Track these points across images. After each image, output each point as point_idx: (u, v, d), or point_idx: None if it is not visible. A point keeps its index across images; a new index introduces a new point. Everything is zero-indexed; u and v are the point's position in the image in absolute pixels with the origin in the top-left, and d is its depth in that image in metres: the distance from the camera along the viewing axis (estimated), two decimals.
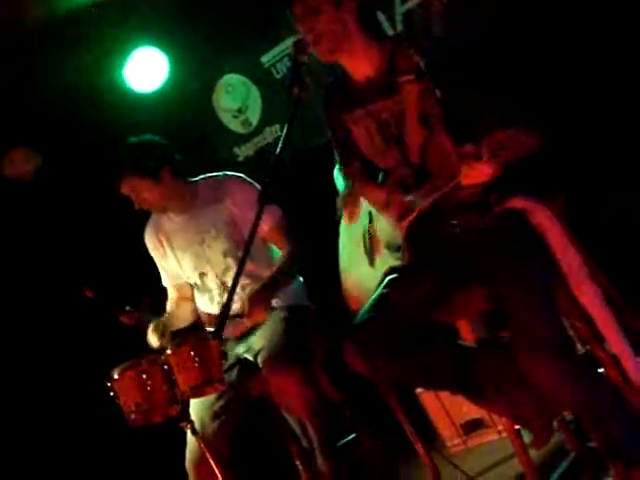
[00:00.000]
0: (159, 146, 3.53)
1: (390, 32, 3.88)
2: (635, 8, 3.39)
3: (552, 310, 2.49)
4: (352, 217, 2.82)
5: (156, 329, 3.44)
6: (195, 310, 3.69)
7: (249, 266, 3.29)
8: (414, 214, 2.56)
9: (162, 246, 3.66)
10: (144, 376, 3.04)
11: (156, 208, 3.56)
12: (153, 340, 3.41)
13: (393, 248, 2.66)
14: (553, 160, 3.06)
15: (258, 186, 3.48)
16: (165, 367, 3.04)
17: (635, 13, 3.39)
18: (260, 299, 3.23)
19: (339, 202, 2.86)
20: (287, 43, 4.45)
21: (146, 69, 4.65)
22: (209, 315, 3.61)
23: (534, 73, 3.54)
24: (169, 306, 3.69)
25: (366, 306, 2.65)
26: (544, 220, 2.48)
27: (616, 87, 3.46)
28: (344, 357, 2.59)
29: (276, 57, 4.57)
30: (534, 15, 3.65)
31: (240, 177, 3.59)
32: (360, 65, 2.68)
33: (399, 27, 4.05)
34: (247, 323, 3.35)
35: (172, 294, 3.71)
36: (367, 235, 2.82)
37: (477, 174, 2.35)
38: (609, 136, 3.46)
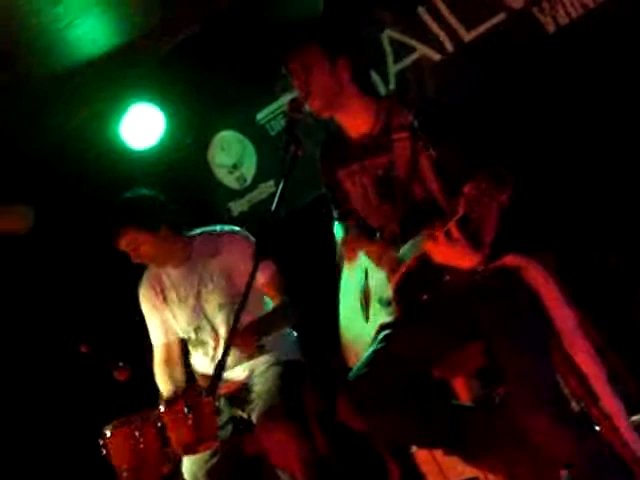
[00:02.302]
0: (158, 201, 3.56)
1: (383, 91, 3.93)
2: (616, 66, 3.46)
3: (547, 367, 2.48)
4: (352, 258, 2.82)
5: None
6: (183, 372, 3.66)
7: (245, 319, 3.29)
8: (402, 270, 2.58)
9: (158, 299, 3.66)
10: (137, 433, 3.03)
11: (153, 261, 3.57)
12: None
13: (384, 303, 2.66)
14: (543, 218, 3.10)
15: (253, 240, 3.50)
16: (158, 424, 3.02)
17: (618, 72, 3.46)
18: (252, 331, 3.22)
19: (339, 251, 2.87)
20: (282, 101, 4.51)
21: (142, 125, 4.69)
22: (204, 374, 3.58)
23: (526, 131, 3.59)
24: (157, 371, 3.63)
25: (359, 363, 2.64)
26: (538, 277, 2.50)
27: (602, 148, 3.51)
28: (338, 414, 2.57)
29: (271, 115, 4.63)
30: (525, 74, 3.72)
31: (236, 231, 3.61)
32: (355, 121, 2.72)
33: (392, 86, 4.10)
34: (241, 375, 3.31)
35: (159, 354, 3.67)
36: (362, 290, 2.83)
37: (443, 253, 2.36)
38: (595, 196, 3.50)
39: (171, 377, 3.59)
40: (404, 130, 2.61)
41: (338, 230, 2.96)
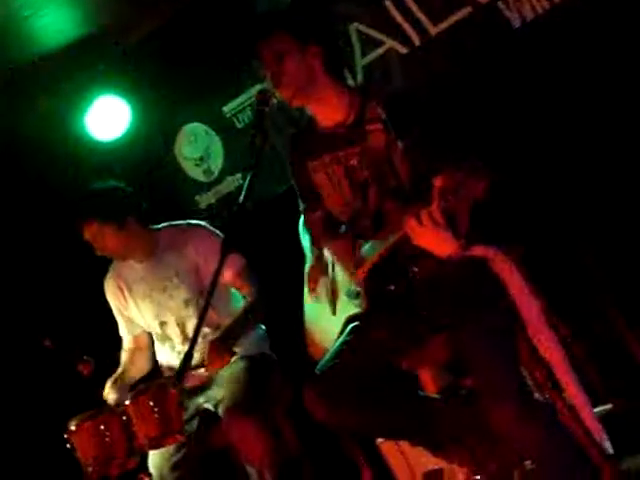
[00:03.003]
0: (124, 193, 3.53)
1: (351, 84, 3.93)
2: (580, 60, 3.50)
3: (512, 357, 2.50)
4: (313, 291, 2.82)
5: (114, 385, 3.40)
6: (151, 360, 3.65)
7: (210, 314, 3.28)
8: (369, 263, 2.58)
9: (123, 294, 3.63)
10: (102, 427, 3.01)
11: (118, 255, 3.54)
12: (111, 396, 3.36)
13: (352, 295, 2.67)
14: (512, 209, 3.13)
15: (220, 234, 3.49)
16: (124, 418, 3.00)
17: (582, 65, 3.50)
18: (221, 347, 3.21)
19: (306, 274, 2.86)
20: (249, 93, 4.49)
21: (108, 117, 4.65)
22: (170, 368, 3.57)
23: (493, 123, 3.62)
24: (124, 357, 3.64)
25: (327, 355, 2.64)
26: (504, 268, 2.52)
27: (570, 140, 3.55)
28: (305, 406, 2.57)
29: (238, 107, 4.60)
30: (491, 68, 3.74)
31: (202, 225, 3.59)
32: (328, 111, 2.71)
33: (359, 79, 4.11)
34: (208, 371, 3.32)
35: (128, 344, 3.67)
36: (329, 283, 2.83)
37: (424, 235, 2.37)
38: (564, 188, 3.54)
39: (134, 367, 3.57)
40: (378, 122, 2.60)
41: (303, 231, 2.95)
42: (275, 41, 2.65)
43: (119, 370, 3.54)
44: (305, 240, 2.92)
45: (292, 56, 2.62)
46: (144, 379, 3.57)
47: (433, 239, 2.36)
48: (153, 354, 3.65)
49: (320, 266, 2.76)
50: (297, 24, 2.67)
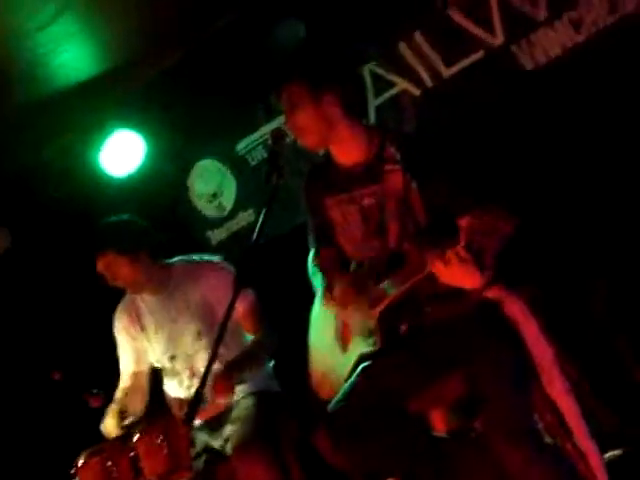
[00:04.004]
0: (139, 226, 3.56)
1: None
2: (592, 103, 3.52)
3: (526, 401, 2.51)
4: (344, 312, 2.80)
5: (114, 415, 3.39)
6: (145, 401, 3.62)
7: (220, 350, 3.27)
8: (386, 302, 2.59)
9: (134, 327, 3.63)
10: (109, 463, 2.98)
11: (131, 286, 3.55)
12: (111, 426, 3.35)
13: (365, 334, 2.67)
14: (526, 251, 3.13)
15: (232, 269, 3.50)
16: (132, 453, 2.99)
17: (594, 108, 3.52)
18: (225, 379, 3.20)
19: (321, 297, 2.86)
20: (262, 131, 4.54)
21: (122, 152, 4.68)
22: (177, 400, 3.56)
23: (504, 164, 3.64)
24: (120, 394, 3.61)
25: (339, 394, 2.63)
26: (518, 312, 2.52)
27: (580, 180, 3.57)
28: (317, 446, 2.56)
29: (251, 144, 4.64)
30: (503, 110, 3.77)
31: (215, 260, 3.60)
32: (347, 151, 2.73)
33: (372, 120, 4.13)
34: (211, 404, 3.30)
35: (125, 382, 3.64)
36: (339, 321, 2.83)
37: (451, 273, 2.39)
38: (576, 227, 3.55)
39: (129, 406, 3.54)
40: (396, 162, 2.62)
41: (312, 268, 2.96)
42: (289, 92, 2.67)
43: (115, 406, 3.52)
44: (315, 276, 2.92)
45: (306, 108, 2.64)
46: (137, 421, 3.54)
47: (460, 274, 2.39)
48: (147, 395, 3.63)
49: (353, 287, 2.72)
50: (312, 72, 2.68)
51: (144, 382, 3.63)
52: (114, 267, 3.45)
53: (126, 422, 3.37)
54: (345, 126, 2.68)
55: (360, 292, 2.66)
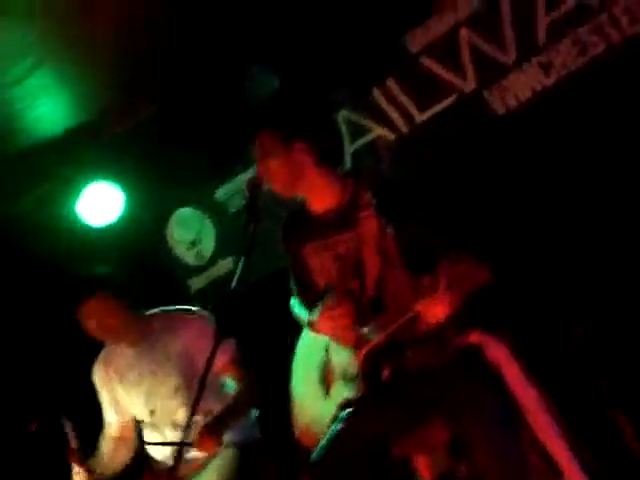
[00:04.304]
0: (121, 279, 3.57)
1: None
2: (562, 147, 3.59)
3: (513, 443, 2.50)
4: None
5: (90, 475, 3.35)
6: (133, 451, 3.59)
7: (203, 404, 3.25)
8: (370, 345, 2.60)
9: (112, 380, 3.59)
10: None
11: (112, 336, 3.50)
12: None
13: (348, 378, 2.67)
14: (505, 294, 3.15)
15: (212, 319, 3.49)
16: None
17: (565, 151, 3.58)
18: (211, 434, 3.18)
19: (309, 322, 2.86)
20: (241, 178, 4.55)
21: (100, 203, 4.68)
22: (159, 456, 3.52)
23: (478, 208, 3.68)
24: (106, 445, 3.57)
25: (322, 441, 2.63)
26: (499, 355, 2.54)
27: (553, 223, 3.62)
28: None
29: (230, 191, 4.66)
30: (476, 154, 3.82)
31: (194, 311, 3.58)
32: (320, 198, 2.76)
33: (348, 165, 4.16)
34: (199, 456, 3.27)
35: (112, 432, 3.60)
36: (323, 365, 2.83)
37: (433, 309, 2.41)
38: (555, 271, 3.58)
39: (117, 453, 3.52)
40: (370, 207, 2.65)
41: (295, 306, 2.97)
42: (260, 141, 2.72)
43: (98, 458, 3.48)
44: (300, 310, 2.92)
45: (276, 156, 2.68)
46: (128, 470, 3.50)
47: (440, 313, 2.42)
48: (135, 445, 3.60)
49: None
50: (283, 121, 2.72)
51: (131, 432, 3.59)
52: (99, 313, 3.41)
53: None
54: (317, 174, 2.71)
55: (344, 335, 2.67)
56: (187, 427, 2.64)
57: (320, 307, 2.78)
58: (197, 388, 2.71)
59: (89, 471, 3.34)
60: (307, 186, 2.73)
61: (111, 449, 3.55)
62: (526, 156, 3.65)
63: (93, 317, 3.42)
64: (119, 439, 3.58)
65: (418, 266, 2.52)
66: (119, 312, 3.44)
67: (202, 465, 3.39)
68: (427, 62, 3.93)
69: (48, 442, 3.39)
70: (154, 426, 3.51)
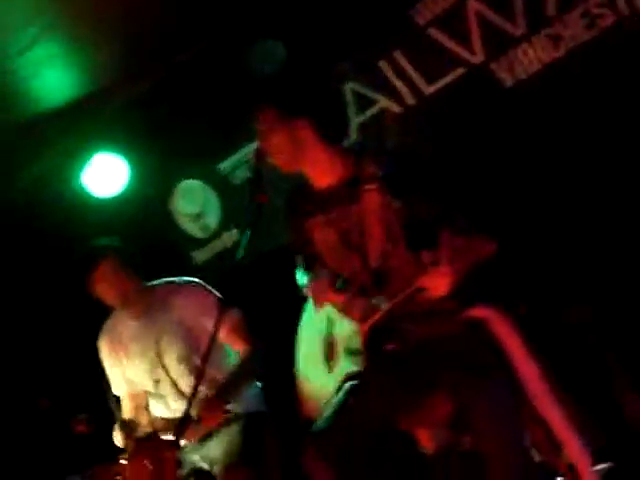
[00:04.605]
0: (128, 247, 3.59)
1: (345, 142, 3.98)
2: (570, 119, 3.56)
3: (515, 419, 2.51)
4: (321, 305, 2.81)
5: (123, 428, 3.37)
6: (152, 422, 3.62)
7: (208, 372, 3.26)
8: (375, 318, 2.60)
9: (117, 352, 3.61)
10: None
11: (121, 301, 3.52)
12: (118, 439, 3.34)
13: (352, 352, 2.68)
14: (511, 269, 3.15)
15: (215, 292, 3.50)
16: (119, 478, 2.98)
17: (573, 124, 3.56)
18: (215, 404, 3.20)
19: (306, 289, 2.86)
20: (245, 150, 4.55)
21: (105, 174, 4.68)
22: (165, 420, 3.55)
23: (485, 181, 3.67)
24: (128, 414, 3.58)
25: (326, 413, 2.63)
26: (503, 330, 2.53)
27: (562, 196, 3.60)
28: (304, 466, 2.56)
29: (234, 164, 4.65)
30: (483, 127, 3.80)
31: (197, 283, 3.59)
32: (322, 174, 2.75)
33: (354, 138, 4.15)
34: (202, 428, 3.29)
35: (127, 403, 3.63)
36: (326, 340, 2.83)
37: (436, 282, 2.41)
38: (563, 248, 3.57)
39: (130, 421, 3.53)
40: (373, 181, 2.64)
41: (301, 278, 2.97)
42: (262, 116, 2.70)
43: (120, 420, 3.48)
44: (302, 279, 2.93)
45: (277, 132, 2.67)
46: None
47: (442, 286, 2.43)
48: (149, 414, 3.62)
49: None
50: (284, 98, 2.70)
51: (144, 401, 3.59)
52: (109, 276, 3.43)
53: (137, 434, 3.37)
54: (319, 149, 2.70)
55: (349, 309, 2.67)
56: (192, 395, 2.65)
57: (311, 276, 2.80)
58: (201, 358, 2.72)
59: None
60: (309, 162, 2.72)
61: (134, 416, 3.56)
62: (534, 129, 3.63)
63: (104, 281, 3.45)
64: (137, 408, 3.60)
65: (421, 240, 2.51)
66: (128, 276, 3.47)
67: (208, 434, 3.40)
68: (435, 34, 3.90)
69: (57, 418, 3.42)
70: (159, 396, 3.54)
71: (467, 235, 2.32)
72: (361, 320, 2.64)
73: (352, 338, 2.67)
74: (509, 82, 3.76)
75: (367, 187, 2.65)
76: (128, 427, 3.37)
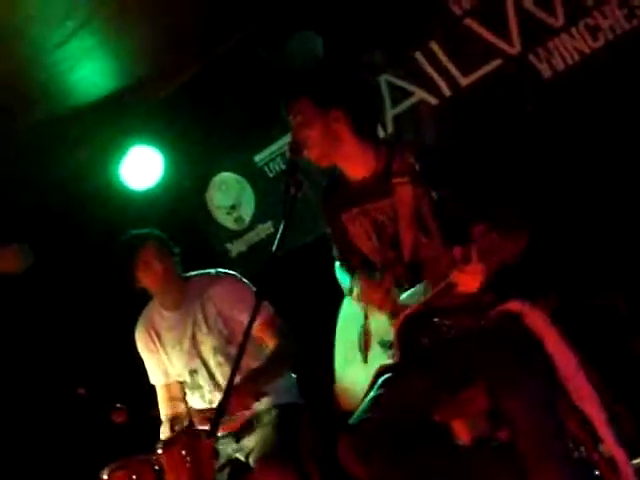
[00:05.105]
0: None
1: (381, 135, 3.96)
2: (610, 111, 3.50)
3: (553, 414, 2.48)
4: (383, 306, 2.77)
5: (166, 423, 3.44)
6: (188, 413, 3.65)
7: (243, 363, 3.27)
8: (407, 312, 2.59)
9: (153, 342, 3.65)
10: (134, 477, 3.00)
11: (160, 287, 3.56)
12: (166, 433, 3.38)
13: (385, 345, 2.67)
14: (544, 261, 3.12)
15: (249, 284, 3.52)
16: (156, 467, 3.00)
17: (612, 116, 3.50)
18: (244, 391, 3.19)
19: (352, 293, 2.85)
20: (280, 143, 4.55)
21: (141, 167, 4.72)
22: (200, 411, 3.57)
23: (523, 174, 3.63)
24: (165, 409, 3.61)
25: (361, 407, 2.63)
26: (538, 322, 2.51)
27: (600, 189, 3.55)
28: (340, 459, 2.56)
29: (269, 156, 4.66)
30: (521, 119, 3.76)
31: (232, 275, 3.61)
32: (355, 167, 2.75)
33: (390, 130, 4.14)
34: (238, 418, 3.30)
35: (162, 395, 3.65)
36: (362, 331, 2.83)
37: (466, 279, 2.39)
38: (597, 238, 3.53)
39: (174, 416, 3.56)
40: (405, 174, 2.63)
41: (340, 272, 2.97)
42: (297, 108, 2.70)
43: (165, 415, 3.54)
44: (344, 277, 2.92)
45: (312, 124, 2.67)
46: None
47: (472, 283, 2.40)
48: (185, 404, 3.65)
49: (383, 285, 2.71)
50: (320, 89, 2.70)
51: (179, 392, 3.63)
52: (151, 259, 3.48)
53: (176, 428, 3.41)
54: (352, 143, 2.70)
55: (382, 302, 2.67)
56: (228, 386, 2.66)
57: (360, 276, 2.78)
58: (237, 350, 2.72)
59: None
60: (343, 155, 2.72)
61: (165, 411, 3.60)
62: (572, 121, 3.58)
63: (145, 265, 3.49)
64: (172, 400, 3.63)
65: (455, 233, 2.49)
66: (167, 262, 3.52)
67: (244, 425, 3.41)
68: (472, 24, 3.85)
69: (95, 406, 3.45)
70: (195, 386, 3.57)
71: (503, 230, 2.29)
72: (393, 314, 2.63)
73: (386, 331, 2.67)
74: (547, 74, 3.72)
75: (400, 180, 2.65)
76: (175, 421, 3.40)
